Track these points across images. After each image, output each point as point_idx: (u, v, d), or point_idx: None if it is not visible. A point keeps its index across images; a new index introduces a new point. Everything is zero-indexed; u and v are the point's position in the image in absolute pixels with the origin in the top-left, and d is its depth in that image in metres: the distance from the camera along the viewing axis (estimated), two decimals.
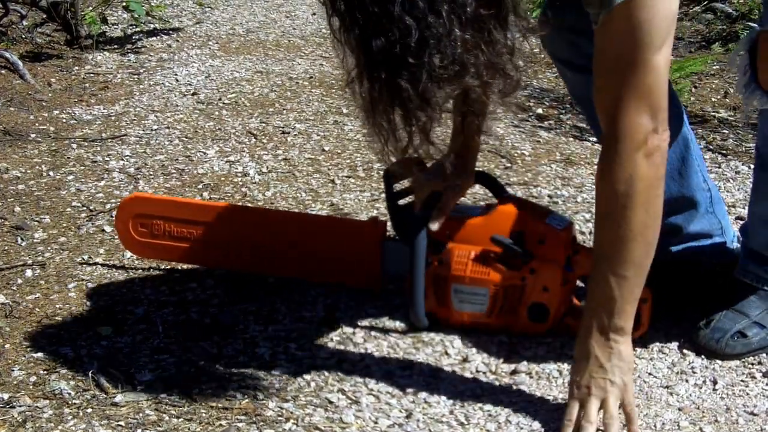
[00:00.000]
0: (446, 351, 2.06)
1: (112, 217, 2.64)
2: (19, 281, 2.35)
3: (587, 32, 1.69)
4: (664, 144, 1.66)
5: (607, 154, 1.68)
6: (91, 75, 4.04)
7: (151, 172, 3.01)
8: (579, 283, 2.10)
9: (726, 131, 3.37)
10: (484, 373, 1.99)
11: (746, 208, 2.40)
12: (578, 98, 2.23)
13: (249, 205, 2.76)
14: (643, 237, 1.69)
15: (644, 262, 1.71)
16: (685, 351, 2.05)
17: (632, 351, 1.76)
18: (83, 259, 2.45)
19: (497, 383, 1.96)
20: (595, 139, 3.26)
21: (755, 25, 1.83)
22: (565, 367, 2.01)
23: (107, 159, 3.11)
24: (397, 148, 1.58)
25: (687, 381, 1.96)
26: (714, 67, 4.07)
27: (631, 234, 1.68)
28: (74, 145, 3.23)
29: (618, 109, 1.63)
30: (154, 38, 4.60)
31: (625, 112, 1.63)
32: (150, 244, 2.33)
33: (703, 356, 2.03)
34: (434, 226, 2.03)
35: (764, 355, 2.03)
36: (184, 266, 2.39)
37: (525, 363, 2.01)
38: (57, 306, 2.23)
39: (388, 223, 2.21)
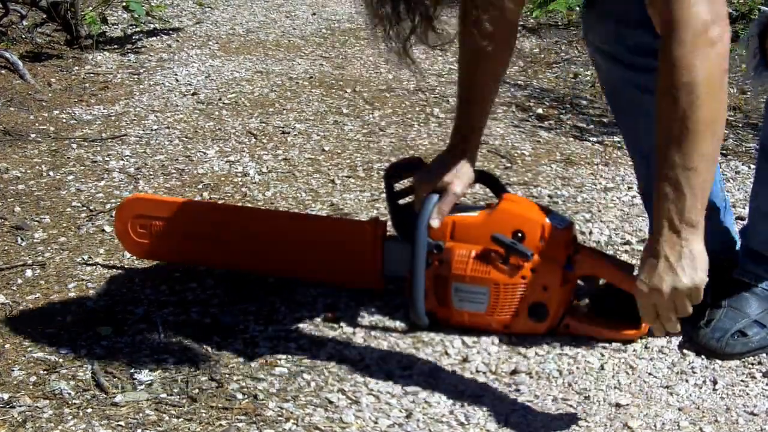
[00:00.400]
0: (446, 351, 2.06)
1: (112, 217, 2.64)
2: (19, 281, 2.35)
3: (632, 22, 1.67)
4: (726, 38, 1.59)
5: (667, 48, 1.60)
6: (91, 75, 4.04)
7: (151, 172, 3.01)
8: (579, 282, 2.11)
9: (726, 131, 3.36)
10: (484, 373, 1.99)
11: (746, 208, 2.40)
12: (610, 91, 2.20)
13: (249, 205, 2.76)
14: (711, 129, 1.61)
15: (713, 154, 1.63)
16: (685, 351, 2.05)
17: (704, 249, 1.66)
18: (83, 259, 2.45)
19: (497, 383, 1.96)
20: (595, 139, 3.26)
21: (766, 8, 1.83)
22: (565, 367, 2.01)
23: (107, 159, 3.12)
24: (401, 34, 1.58)
25: (687, 381, 1.96)
26: None
27: (699, 126, 1.60)
28: (74, 145, 3.23)
29: (673, 2, 1.58)
30: (154, 38, 4.60)
31: (681, 2, 1.57)
32: (150, 245, 2.33)
33: (703, 356, 2.03)
34: (435, 223, 2.03)
35: (764, 355, 2.03)
36: (184, 266, 2.39)
37: (525, 363, 2.01)
38: (57, 306, 2.23)
39: (389, 223, 2.21)
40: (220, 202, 2.79)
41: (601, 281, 2.13)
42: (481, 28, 1.79)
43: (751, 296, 2.07)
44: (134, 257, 2.42)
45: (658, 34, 1.87)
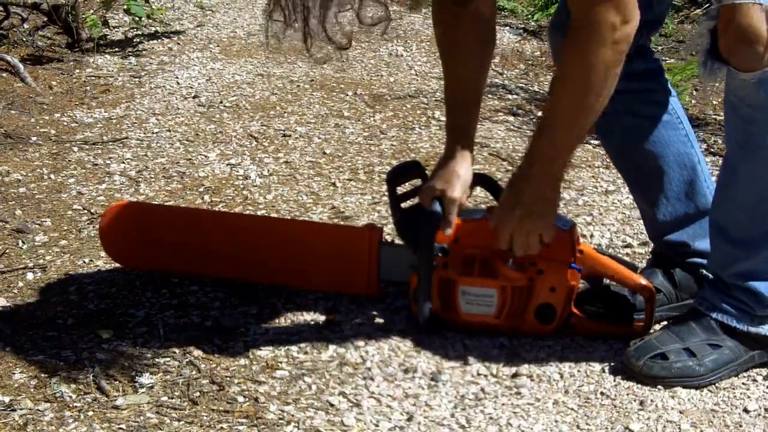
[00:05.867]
0: (447, 354, 2.06)
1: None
2: (21, 284, 2.35)
3: None
4: (631, 32, 1.79)
5: (576, 43, 1.82)
6: (92, 78, 4.04)
7: (152, 175, 3.01)
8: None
9: (711, 135, 3.36)
10: (485, 376, 1.99)
11: None
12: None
13: (250, 208, 2.76)
14: (589, 112, 1.86)
15: (579, 134, 1.92)
16: None
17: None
18: (84, 262, 2.45)
19: (498, 386, 1.96)
20: (595, 141, 3.26)
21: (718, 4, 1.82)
22: (566, 370, 2.01)
23: (108, 162, 3.12)
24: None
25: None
26: None
27: (582, 110, 1.85)
28: (75, 148, 3.24)
29: (590, 7, 1.76)
30: (155, 41, 4.60)
31: (596, 10, 1.75)
32: (141, 253, 2.32)
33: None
34: (448, 232, 2.04)
35: (766, 358, 2.02)
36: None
37: (526, 366, 2.01)
38: (58, 309, 2.23)
39: (385, 228, 2.21)
40: (220, 205, 2.79)
41: (605, 281, 2.14)
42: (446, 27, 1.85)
43: (698, 326, 1.99)
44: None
45: (632, 57, 1.93)
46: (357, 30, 1.65)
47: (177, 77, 4.03)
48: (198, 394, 1.91)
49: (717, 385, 1.95)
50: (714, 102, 3.69)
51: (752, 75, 1.79)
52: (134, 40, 4.57)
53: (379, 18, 1.65)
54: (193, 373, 1.98)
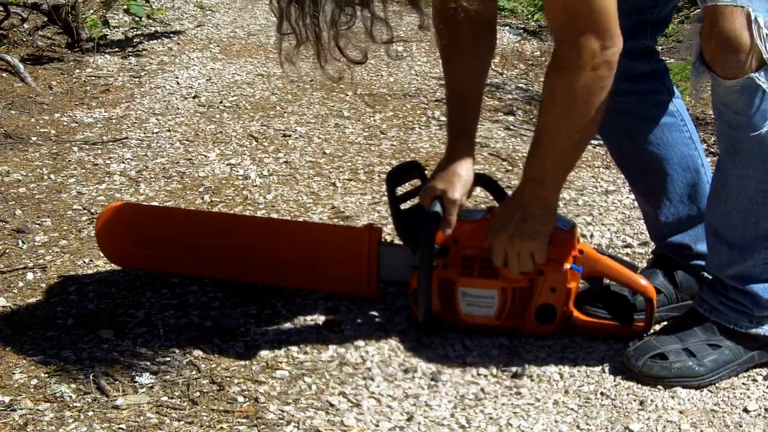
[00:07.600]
0: (447, 354, 2.06)
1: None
2: (21, 284, 2.35)
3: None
4: (612, 57, 1.80)
5: (558, 69, 1.84)
6: (92, 78, 4.04)
7: (152, 175, 3.01)
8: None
9: (706, 134, 3.36)
10: (486, 376, 2.00)
11: None
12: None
13: (250, 208, 2.76)
14: (575, 136, 1.87)
15: (569, 157, 1.93)
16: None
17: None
18: (84, 262, 2.45)
19: (498, 386, 1.96)
20: (596, 141, 3.26)
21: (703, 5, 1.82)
22: (567, 370, 2.01)
23: (108, 162, 3.12)
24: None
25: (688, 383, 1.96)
26: None
27: (570, 133, 1.86)
28: (75, 148, 3.24)
29: (569, 33, 1.79)
30: (155, 41, 4.60)
31: (577, 36, 1.77)
32: (139, 254, 2.31)
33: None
34: (447, 232, 2.04)
35: (766, 358, 2.03)
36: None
37: (526, 366, 2.01)
38: (58, 309, 2.23)
39: (385, 228, 2.21)
40: (220, 205, 2.79)
41: (606, 281, 2.14)
42: (442, 28, 1.86)
43: (697, 327, 1.98)
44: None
45: (637, 58, 1.91)
46: (369, 46, 1.64)
47: (177, 77, 4.03)
48: (198, 394, 1.91)
49: (717, 385, 1.95)
50: None
51: (735, 82, 1.79)
52: (134, 40, 4.56)
53: (390, 36, 1.65)
54: (193, 373, 1.98)
